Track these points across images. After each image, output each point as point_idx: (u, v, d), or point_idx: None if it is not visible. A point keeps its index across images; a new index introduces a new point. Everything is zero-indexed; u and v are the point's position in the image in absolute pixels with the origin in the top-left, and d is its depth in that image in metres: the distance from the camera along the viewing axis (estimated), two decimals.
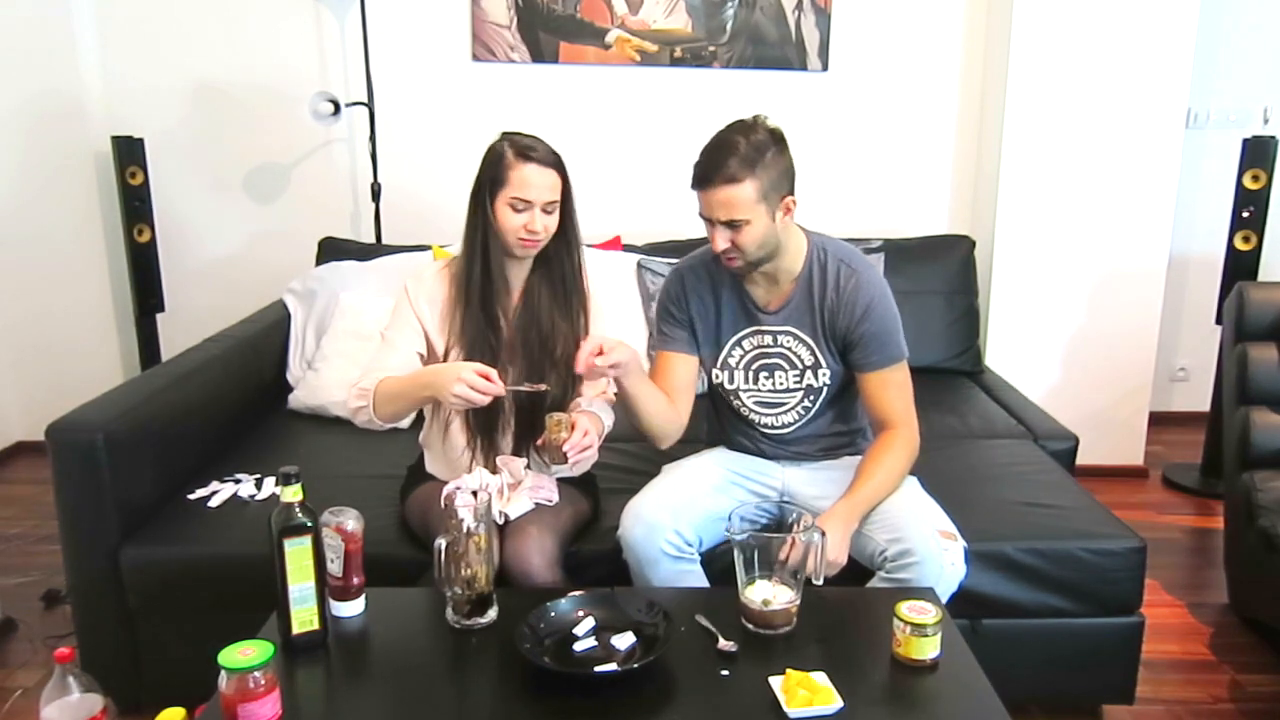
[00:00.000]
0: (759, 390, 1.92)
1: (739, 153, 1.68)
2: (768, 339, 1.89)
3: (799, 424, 1.94)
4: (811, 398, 1.91)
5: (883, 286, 1.87)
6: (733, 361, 1.92)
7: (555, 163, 1.78)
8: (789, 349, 1.89)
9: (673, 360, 1.94)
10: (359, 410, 1.81)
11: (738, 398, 1.94)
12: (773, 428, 1.95)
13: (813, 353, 1.88)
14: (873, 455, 1.83)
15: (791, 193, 1.77)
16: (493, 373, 1.66)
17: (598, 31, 3.34)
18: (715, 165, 1.70)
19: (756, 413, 1.94)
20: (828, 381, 1.89)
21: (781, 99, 3.41)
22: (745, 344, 1.91)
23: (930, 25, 3.39)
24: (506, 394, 1.73)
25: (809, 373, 1.89)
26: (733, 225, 1.72)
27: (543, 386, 1.79)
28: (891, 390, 1.86)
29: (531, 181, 1.75)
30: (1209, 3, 3.31)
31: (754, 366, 1.91)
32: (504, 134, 1.82)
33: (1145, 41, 3.12)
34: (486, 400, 1.65)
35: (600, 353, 1.68)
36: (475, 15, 3.33)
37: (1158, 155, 3.21)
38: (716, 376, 1.94)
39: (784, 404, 1.92)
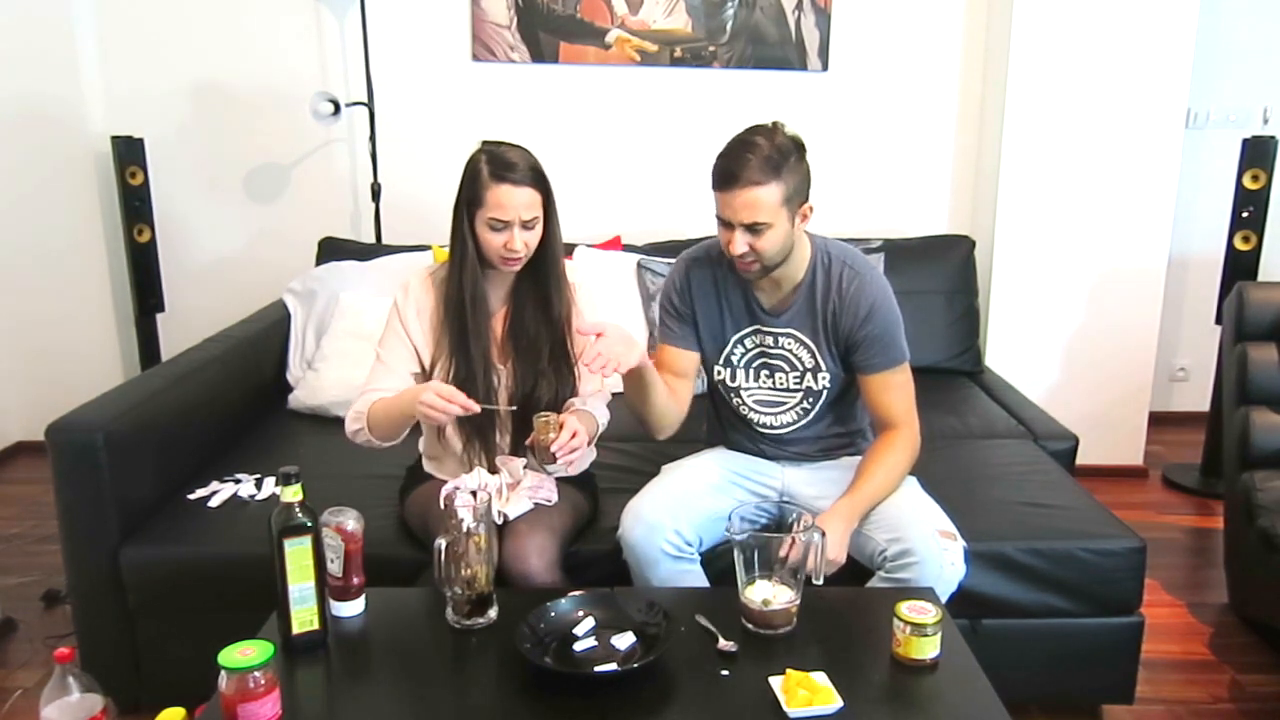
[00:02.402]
0: (759, 388, 1.92)
1: (764, 155, 1.67)
2: (769, 339, 1.89)
3: (797, 425, 1.94)
4: (810, 400, 1.91)
5: (885, 289, 1.87)
6: (735, 359, 1.92)
7: (533, 180, 1.76)
8: (790, 351, 1.88)
9: (673, 353, 1.94)
10: (357, 433, 1.85)
11: (738, 395, 1.94)
12: (771, 428, 1.95)
13: (813, 355, 1.87)
14: (874, 455, 1.83)
15: (808, 199, 1.77)
16: (455, 393, 1.68)
17: (598, 31, 3.34)
18: (741, 165, 1.67)
19: (756, 412, 1.94)
20: (827, 385, 1.89)
21: (781, 99, 3.41)
22: (747, 342, 1.90)
23: (930, 25, 3.39)
24: (475, 410, 1.72)
25: (809, 375, 1.89)
26: (754, 229, 1.70)
27: (511, 407, 1.81)
28: (893, 392, 1.86)
29: (507, 202, 1.73)
30: (1209, 3, 3.31)
31: (755, 364, 1.91)
32: (483, 145, 1.80)
33: (1145, 41, 3.12)
34: (454, 411, 1.68)
35: (600, 335, 1.66)
36: (475, 15, 3.33)
37: (1158, 155, 3.21)
38: (718, 373, 1.94)
39: (783, 404, 1.92)
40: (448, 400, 1.67)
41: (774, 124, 1.73)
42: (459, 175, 1.79)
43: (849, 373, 1.89)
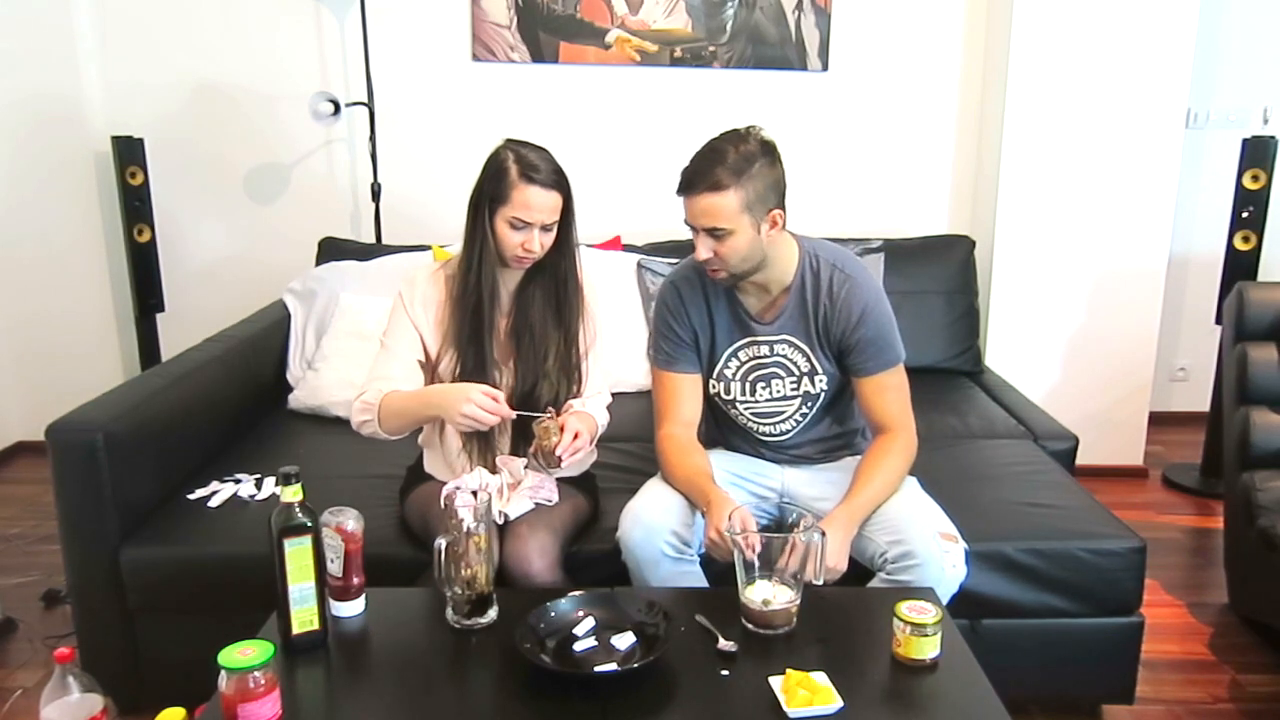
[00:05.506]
0: (756, 401, 1.90)
1: (726, 161, 1.67)
2: (764, 349, 1.87)
3: (797, 430, 1.93)
4: (809, 404, 1.90)
5: (877, 290, 1.85)
6: (729, 373, 1.89)
7: (558, 183, 1.76)
8: (785, 357, 1.86)
9: (682, 383, 1.89)
10: (364, 424, 1.83)
11: (734, 407, 1.92)
12: (771, 435, 1.94)
13: (809, 359, 1.86)
14: (871, 459, 1.82)
15: (780, 206, 1.74)
16: (499, 395, 1.70)
17: (598, 31, 3.34)
18: (700, 172, 1.68)
19: (754, 422, 1.93)
20: (824, 387, 1.88)
21: (781, 99, 3.41)
22: (741, 355, 1.88)
23: (930, 25, 3.39)
24: (513, 417, 1.75)
25: (805, 379, 1.87)
26: (715, 234, 1.70)
27: (548, 413, 1.78)
28: (888, 394, 1.84)
29: (533, 204, 1.74)
30: (1209, 3, 3.31)
31: (750, 378, 1.89)
32: (508, 142, 1.79)
33: (1145, 41, 3.12)
34: (494, 422, 1.70)
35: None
36: (475, 15, 3.33)
37: (1158, 155, 3.21)
38: (713, 387, 1.91)
39: (781, 413, 1.91)
40: (493, 410, 1.68)
41: (747, 129, 1.72)
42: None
43: (844, 374, 1.89)
